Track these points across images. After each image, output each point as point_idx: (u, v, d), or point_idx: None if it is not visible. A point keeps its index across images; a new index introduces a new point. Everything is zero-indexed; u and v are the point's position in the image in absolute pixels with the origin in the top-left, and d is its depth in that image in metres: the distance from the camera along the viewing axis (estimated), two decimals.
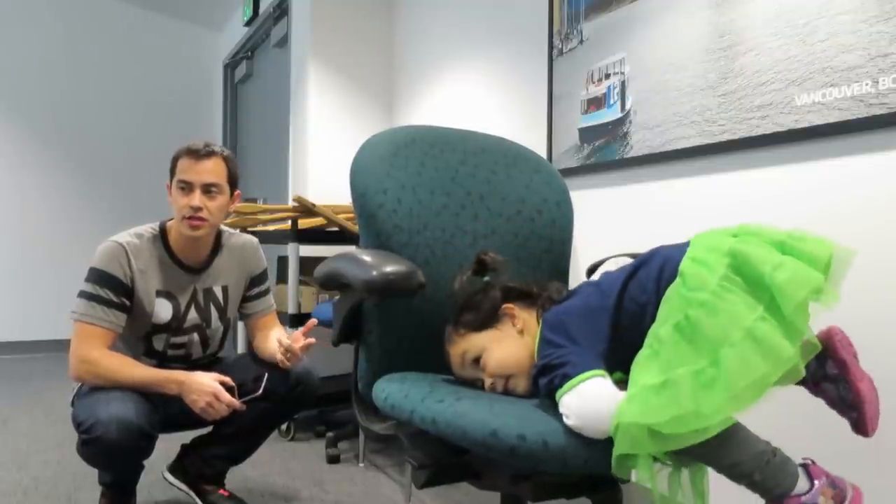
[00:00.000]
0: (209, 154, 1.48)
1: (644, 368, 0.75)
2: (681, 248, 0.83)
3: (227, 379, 1.42)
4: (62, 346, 4.08)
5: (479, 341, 0.93)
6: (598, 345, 0.82)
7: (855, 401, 0.77)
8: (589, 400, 0.74)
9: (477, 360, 0.93)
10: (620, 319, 0.84)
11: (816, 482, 0.72)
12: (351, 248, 1.07)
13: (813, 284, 0.70)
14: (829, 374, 0.80)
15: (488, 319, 0.95)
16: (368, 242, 1.05)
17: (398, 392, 0.91)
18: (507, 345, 0.92)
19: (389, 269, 0.91)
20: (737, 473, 0.73)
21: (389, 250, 1.03)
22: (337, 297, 1.06)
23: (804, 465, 0.75)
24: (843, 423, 0.82)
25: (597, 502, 0.94)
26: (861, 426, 0.78)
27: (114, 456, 1.31)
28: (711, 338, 0.71)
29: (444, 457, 0.89)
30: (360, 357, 1.05)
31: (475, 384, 0.95)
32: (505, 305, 0.96)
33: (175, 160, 1.50)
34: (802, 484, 0.72)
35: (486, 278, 1.01)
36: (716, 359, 0.70)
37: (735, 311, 0.71)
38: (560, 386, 0.77)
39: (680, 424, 0.69)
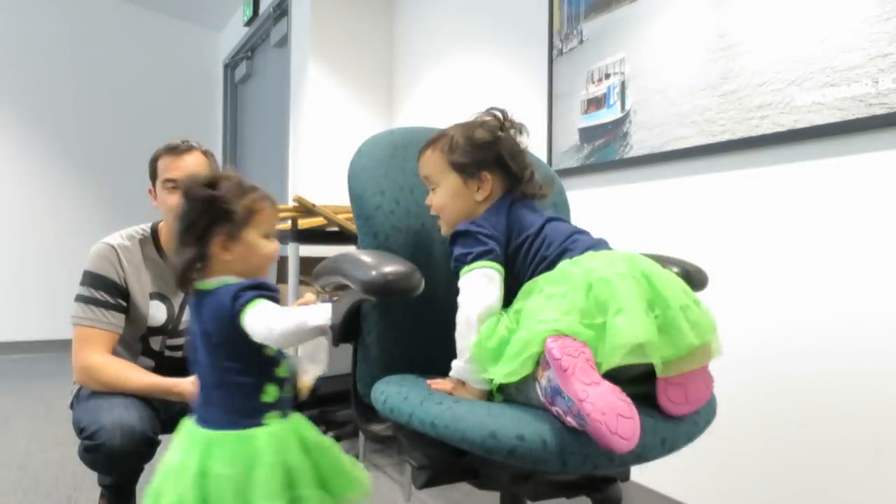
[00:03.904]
0: (189, 149, 1.46)
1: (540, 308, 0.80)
2: (598, 242, 0.91)
3: None
4: (62, 346, 4.12)
5: (443, 177, 0.99)
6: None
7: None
8: (477, 284, 0.87)
9: (429, 182, 1.01)
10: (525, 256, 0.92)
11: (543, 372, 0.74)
12: (350, 248, 1.07)
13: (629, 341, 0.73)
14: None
15: (464, 168, 0.98)
16: (366, 243, 1.05)
17: (397, 395, 0.90)
18: (460, 202, 0.98)
19: (388, 269, 0.91)
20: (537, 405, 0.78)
21: (388, 251, 1.03)
22: (336, 298, 1.06)
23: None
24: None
25: (596, 501, 0.94)
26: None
27: (117, 462, 1.30)
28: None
29: (443, 457, 0.89)
30: (359, 357, 1.05)
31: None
32: (484, 172, 0.98)
33: (154, 161, 1.47)
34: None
35: (501, 133, 1.03)
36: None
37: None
38: (466, 263, 0.89)
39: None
